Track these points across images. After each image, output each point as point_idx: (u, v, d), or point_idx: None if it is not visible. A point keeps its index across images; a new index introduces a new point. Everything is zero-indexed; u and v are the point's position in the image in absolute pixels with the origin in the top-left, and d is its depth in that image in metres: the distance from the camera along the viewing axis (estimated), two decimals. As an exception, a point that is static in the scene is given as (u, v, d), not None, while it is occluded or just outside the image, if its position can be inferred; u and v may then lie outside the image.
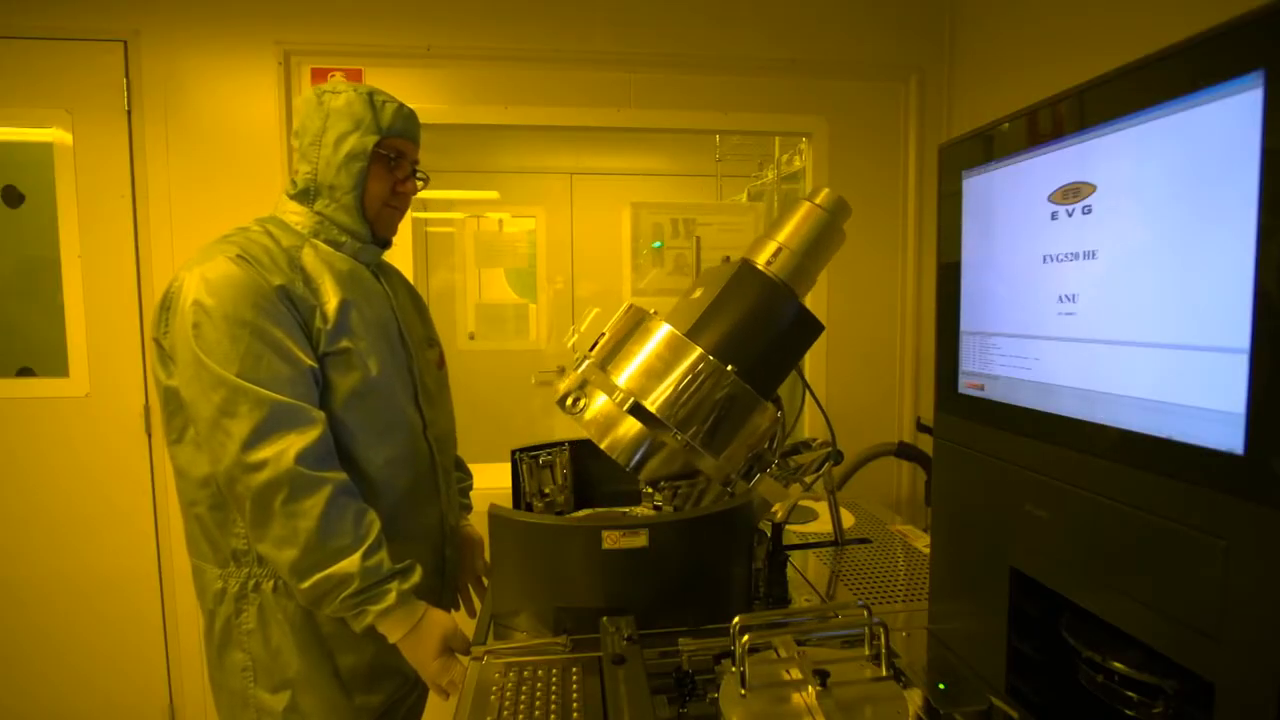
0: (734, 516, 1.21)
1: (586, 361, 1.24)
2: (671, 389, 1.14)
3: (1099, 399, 0.79)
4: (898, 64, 2.40)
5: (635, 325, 1.23)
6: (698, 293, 1.28)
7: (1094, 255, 0.80)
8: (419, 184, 1.31)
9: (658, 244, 2.52)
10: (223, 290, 1.07)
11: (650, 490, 1.68)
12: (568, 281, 3.69)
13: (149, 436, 2.19)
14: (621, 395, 1.15)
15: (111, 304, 2.15)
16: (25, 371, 2.19)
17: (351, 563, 1.05)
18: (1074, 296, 0.83)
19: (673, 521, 1.27)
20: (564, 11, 2.26)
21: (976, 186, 1.01)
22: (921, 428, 2.31)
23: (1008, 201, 0.94)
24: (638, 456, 1.20)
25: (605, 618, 1.12)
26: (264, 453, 1.03)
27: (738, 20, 2.33)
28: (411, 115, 1.26)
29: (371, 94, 1.22)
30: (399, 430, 1.23)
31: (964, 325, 1.04)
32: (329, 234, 1.22)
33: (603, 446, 1.21)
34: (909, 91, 2.42)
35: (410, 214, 2.27)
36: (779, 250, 1.25)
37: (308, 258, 1.18)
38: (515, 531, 1.19)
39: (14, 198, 2.16)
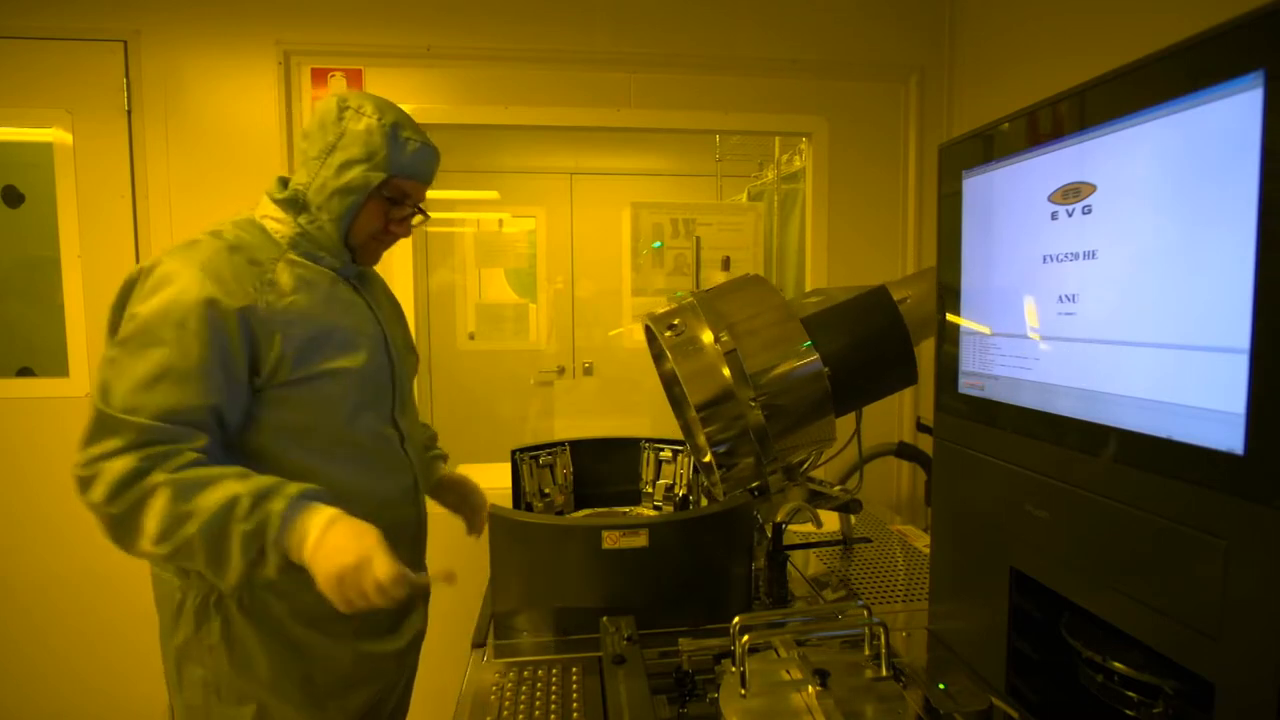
0: (734, 516, 1.21)
1: (697, 295, 1.26)
2: (769, 358, 1.18)
3: (1099, 399, 0.79)
4: (898, 64, 2.40)
5: (755, 288, 1.27)
6: (815, 299, 1.31)
7: (1094, 255, 0.80)
8: (415, 222, 1.24)
9: (658, 244, 2.52)
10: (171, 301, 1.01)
11: (650, 491, 1.68)
12: (568, 281, 3.69)
13: (149, 436, 2.19)
14: (726, 339, 1.17)
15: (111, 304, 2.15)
16: (25, 371, 2.19)
17: (228, 487, 0.96)
18: (1074, 296, 0.83)
19: (673, 521, 1.27)
20: (564, 11, 2.26)
21: (976, 186, 1.01)
22: (921, 428, 2.31)
23: (1008, 201, 0.94)
24: (708, 399, 1.19)
25: (605, 618, 1.12)
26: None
27: (738, 20, 2.33)
28: (432, 157, 1.18)
29: (397, 127, 1.12)
30: (382, 450, 1.21)
31: (964, 326, 1.04)
32: (308, 248, 1.15)
33: (683, 378, 1.21)
34: (909, 91, 2.42)
35: (410, 214, 2.27)
36: (907, 298, 1.29)
37: (283, 274, 1.10)
38: (515, 531, 1.19)
39: (14, 198, 2.16)
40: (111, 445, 0.96)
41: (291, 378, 1.08)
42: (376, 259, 1.25)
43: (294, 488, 0.99)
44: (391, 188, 1.15)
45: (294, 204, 1.15)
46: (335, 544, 0.96)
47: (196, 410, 1.00)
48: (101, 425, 0.97)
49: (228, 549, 0.96)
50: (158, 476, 0.95)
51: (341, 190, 1.11)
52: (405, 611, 1.28)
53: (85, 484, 0.97)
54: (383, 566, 0.95)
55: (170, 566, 1.11)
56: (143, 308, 1.01)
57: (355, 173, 1.11)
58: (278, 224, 1.15)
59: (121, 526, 0.97)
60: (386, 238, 1.21)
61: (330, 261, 1.17)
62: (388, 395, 1.22)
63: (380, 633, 1.22)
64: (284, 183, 1.18)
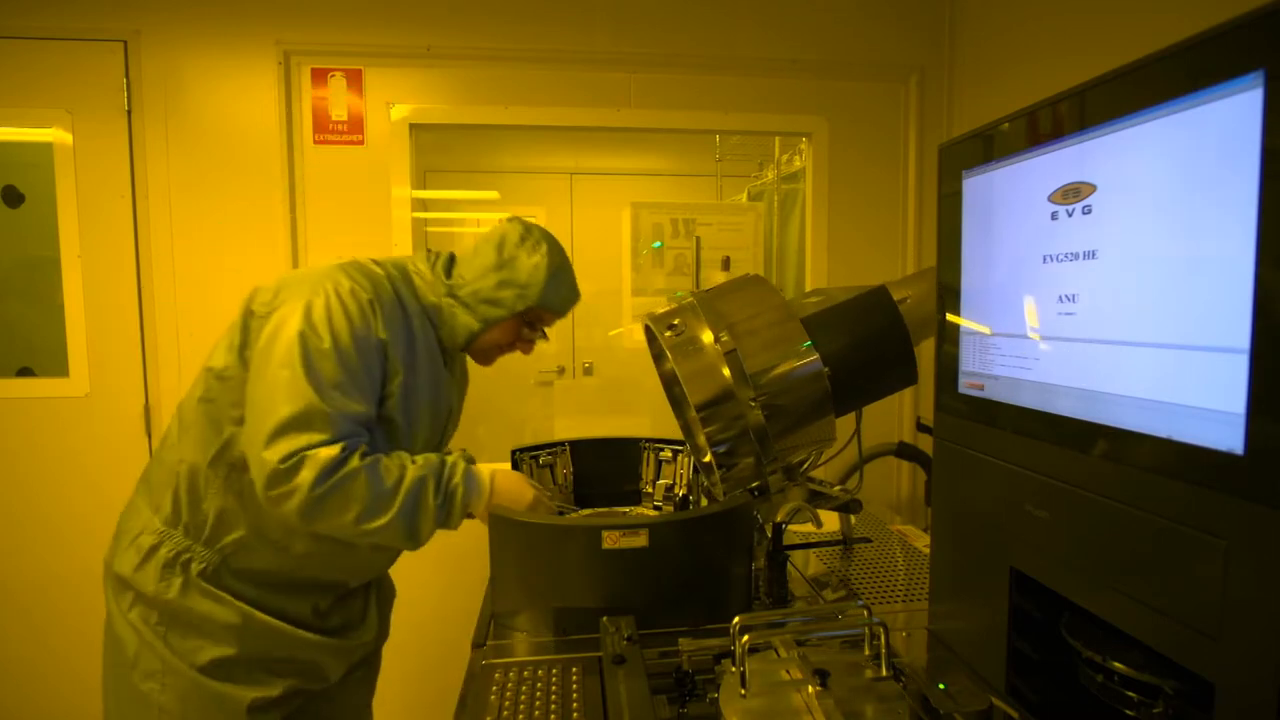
0: (734, 516, 1.21)
1: (697, 295, 1.28)
2: (769, 358, 1.19)
3: (1099, 399, 0.79)
4: (898, 64, 2.40)
5: (755, 288, 1.28)
6: (815, 299, 1.31)
7: (1094, 255, 0.80)
8: (538, 342, 1.37)
9: (658, 244, 2.51)
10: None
11: (650, 491, 1.68)
12: (568, 281, 3.68)
13: (149, 437, 2.19)
14: (726, 339, 1.18)
15: (111, 304, 2.15)
16: (25, 371, 2.19)
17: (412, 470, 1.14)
18: (1074, 296, 0.83)
19: (673, 521, 1.27)
20: (564, 11, 2.26)
21: (976, 186, 1.01)
22: (921, 428, 2.31)
23: (1008, 201, 0.94)
24: (708, 399, 1.20)
25: (605, 618, 1.12)
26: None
27: (738, 20, 2.33)
28: (575, 299, 1.35)
29: (559, 271, 1.28)
30: None
31: (964, 325, 1.04)
32: (436, 316, 1.29)
33: (683, 378, 1.21)
34: (909, 91, 2.42)
35: (410, 214, 2.27)
36: (907, 298, 1.29)
37: (418, 328, 1.25)
38: (515, 531, 1.19)
39: (14, 198, 2.16)
40: (315, 438, 1.08)
41: (383, 414, 1.19)
42: (490, 363, 1.40)
43: (460, 463, 1.20)
44: (532, 314, 1.31)
45: (448, 286, 1.29)
46: (501, 500, 1.22)
47: (367, 414, 1.15)
48: (308, 420, 1.08)
49: (419, 523, 1.14)
50: (355, 462, 1.09)
51: (492, 301, 1.27)
52: (357, 616, 1.36)
53: (287, 474, 1.06)
54: (541, 508, 1.26)
55: (167, 511, 1.21)
56: (328, 319, 1.12)
57: (509, 294, 1.27)
58: (426, 286, 1.29)
59: (320, 507, 1.07)
60: (508, 349, 1.37)
61: (443, 336, 1.30)
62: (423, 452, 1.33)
63: (318, 627, 1.28)
64: (449, 265, 1.32)
